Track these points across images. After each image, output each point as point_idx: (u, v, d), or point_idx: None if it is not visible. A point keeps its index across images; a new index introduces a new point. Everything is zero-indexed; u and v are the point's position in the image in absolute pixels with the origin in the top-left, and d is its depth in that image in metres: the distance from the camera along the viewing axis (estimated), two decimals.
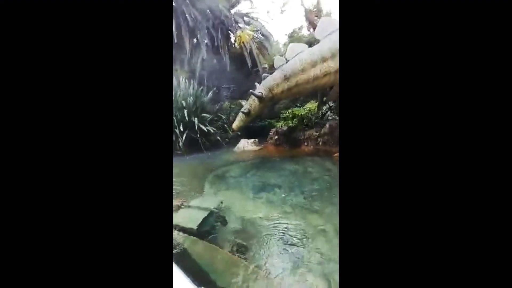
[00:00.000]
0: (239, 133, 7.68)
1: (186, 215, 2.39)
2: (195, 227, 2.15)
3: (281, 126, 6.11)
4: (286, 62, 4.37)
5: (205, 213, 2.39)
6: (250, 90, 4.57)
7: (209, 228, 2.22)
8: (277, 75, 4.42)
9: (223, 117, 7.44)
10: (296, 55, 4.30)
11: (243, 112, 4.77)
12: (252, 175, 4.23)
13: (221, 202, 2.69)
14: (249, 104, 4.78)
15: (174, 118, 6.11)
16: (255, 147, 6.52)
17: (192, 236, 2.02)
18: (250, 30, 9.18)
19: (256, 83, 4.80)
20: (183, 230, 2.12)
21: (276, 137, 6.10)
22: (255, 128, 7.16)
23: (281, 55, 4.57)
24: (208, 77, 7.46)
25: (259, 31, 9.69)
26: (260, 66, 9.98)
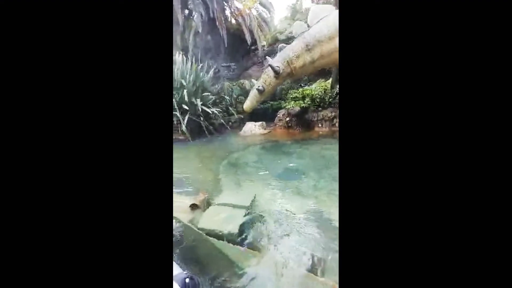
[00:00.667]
0: (242, 116, 7.12)
1: (219, 214, 1.90)
2: (236, 230, 1.68)
3: (292, 107, 5.57)
4: (308, 29, 3.70)
5: (242, 211, 1.92)
6: (269, 63, 3.91)
7: (251, 232, 1.76)
8: (297, 45, 3.77)
9: (227, 97, 6.75)
10: (320, 19, 3.63)
11: (257, 90, 4.15)
12: (271, 161, 3.77)
13: (254, 197, 2.22)
14: (264, 80, 4.16)
15: (174, 100, 5.40)
16: (263, 130, 6.00)
17: (237, 246, 1.55)
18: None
19: (268, 57, 4.16)
20: (219, 236, 1.64)
21: (287, 118, 5.58)
22: (256, 111, 6.57)
23: (281, 32, 3.89)
24: (203, 54, 6.67)
25: (258, 2, 8.75)
26: (259, 43, 9.21)
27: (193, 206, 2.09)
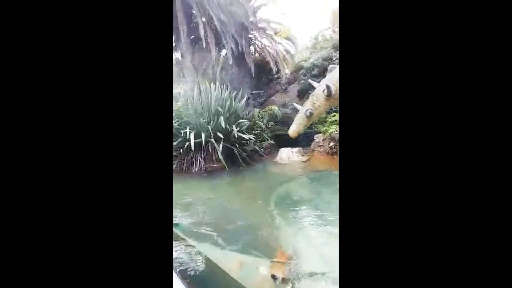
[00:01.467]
0: (273, 141, 6.83)
1: None
2: None
3: (335, 131, 5.19)
4: None
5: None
6: (326, 83, 3.68)
7: None
8: None
9: (261, 123, 6.55)
10: None
11: (306, 113, 3.86)
12: (329, 195, 3.22)
13: None
14: (312, 103, 3.89)
15: (209, 126, 5.23)
16: (301, 157, 5.56)
17: None
18: (282, 34, 8.85)
19: (311, 80, 3.95)
20: None
21: (330, 144, 5.16)
22: (283, 135, 6.21)
23: (305, 60, 3.76)
24: (230, 84, 6.87)
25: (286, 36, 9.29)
26: (283, 72, 9.55)
27: (276, 278, 1.44)
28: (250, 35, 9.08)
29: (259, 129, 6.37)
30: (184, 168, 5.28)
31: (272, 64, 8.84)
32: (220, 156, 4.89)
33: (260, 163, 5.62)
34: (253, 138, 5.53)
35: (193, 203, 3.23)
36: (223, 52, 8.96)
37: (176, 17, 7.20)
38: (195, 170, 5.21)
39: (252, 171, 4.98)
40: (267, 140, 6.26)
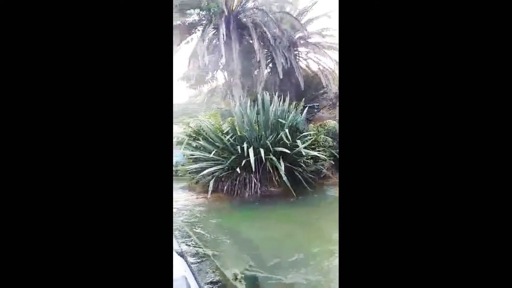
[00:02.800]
0: (332, 161, 5.76)
1: None
2: None
3: None
4: None
5: None
6: None
7: None
8: None
9: (321, 140, 5.56)
10: None
11: None
12: None
13: None
14: None
15: (268, 142, 4.43)
16: None
17: None
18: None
19: None
20: None
21: None
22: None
23: None
24: (292, 97, 6.30)
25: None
26: (332, 87, 8.95)
27: None
28: (299, 49, 8.92)
29: (321, 147, 5.35)
30: (236, 190, 4.50)
31: (322, 79, 8.39)
32: (285, 179, 3.96)
33: (330, 187, 4.53)
34: (325, 158, 4.53)
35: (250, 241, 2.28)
36: (269, 66, 8.84)
37: (230, 37, 7.27)
38: (249, 194, 4.36)
39: (322, 199, 3.91)
40: (327, 159, 5.15)
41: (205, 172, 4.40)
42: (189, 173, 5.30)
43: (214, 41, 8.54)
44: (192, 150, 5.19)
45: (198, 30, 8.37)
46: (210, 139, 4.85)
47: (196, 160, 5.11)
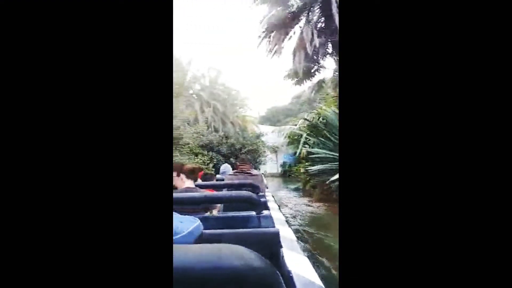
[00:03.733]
0: None
1: None
2: None
3: None
4: None
5: None
6: None
7: None
8: None
9: None
10: None
11: None
12: None
13: None
14: None
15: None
16: None
17: None
18: None
19: None
20: None
21: None
22: None
23: None
24: None
25: None
26: None
27: None
28: None
29: None
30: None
31: None
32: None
33: None
34: None
35: None
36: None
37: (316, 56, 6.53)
38: None
39: None
40: None
41: (333, 178, 3.88)
42: (310, 175, 4.65)
43: (318, 25, 7.93)
44: (310, 148, 4.54)
45: (301, 19, 8.06)
46: (334, 133, 4.29)
47: (315, 161, 4.41)
